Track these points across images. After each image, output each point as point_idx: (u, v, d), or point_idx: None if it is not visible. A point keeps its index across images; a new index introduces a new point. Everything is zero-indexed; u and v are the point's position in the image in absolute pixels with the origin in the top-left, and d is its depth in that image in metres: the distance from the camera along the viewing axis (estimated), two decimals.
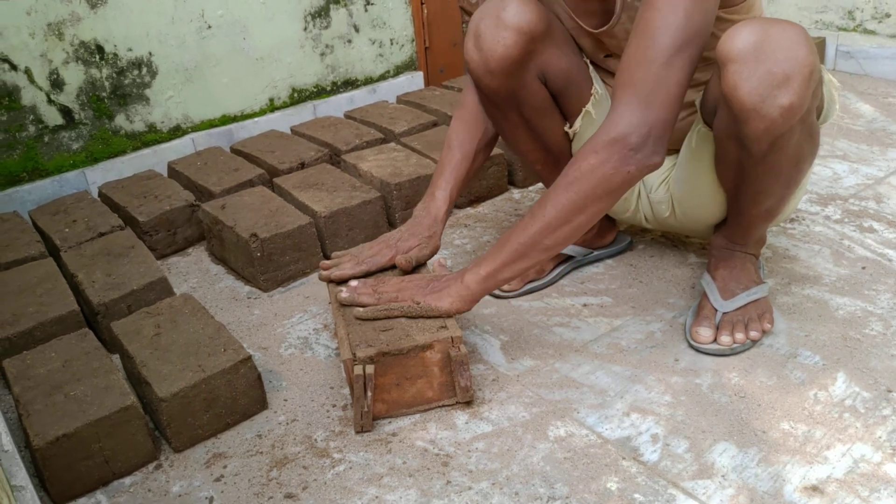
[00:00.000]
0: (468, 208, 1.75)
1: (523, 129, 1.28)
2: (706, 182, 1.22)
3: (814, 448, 1.03)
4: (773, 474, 1.00)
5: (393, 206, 1.64)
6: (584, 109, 1.27)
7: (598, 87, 1.29)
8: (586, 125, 1.29)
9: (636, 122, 1.02)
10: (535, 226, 1.09)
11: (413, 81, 2.31)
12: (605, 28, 1.20)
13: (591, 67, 1.30)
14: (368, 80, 2.24)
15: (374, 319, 1.15)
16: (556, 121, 1.30)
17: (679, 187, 1.28)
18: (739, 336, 1.20)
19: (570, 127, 1.30)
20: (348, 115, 2.06)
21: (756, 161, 1.07)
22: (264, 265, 1.46)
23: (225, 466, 1.08)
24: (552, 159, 1.34)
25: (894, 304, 1.30)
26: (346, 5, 2.12)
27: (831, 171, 1.79)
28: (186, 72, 1.92)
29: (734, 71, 0.98)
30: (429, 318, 1.15)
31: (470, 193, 1.75)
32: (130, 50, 1.83)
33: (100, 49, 1.79)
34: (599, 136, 1.05)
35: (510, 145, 1.35)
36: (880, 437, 1.04)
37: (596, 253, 1.48)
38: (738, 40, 0.97)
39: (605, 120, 1.06)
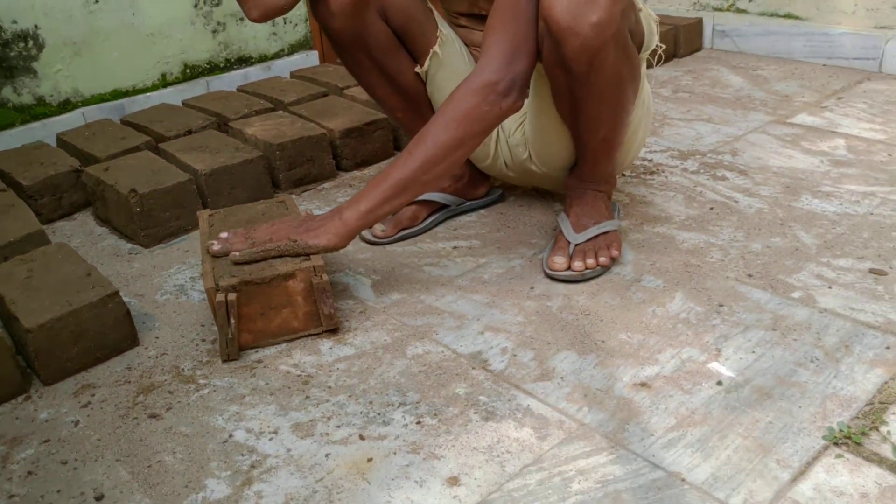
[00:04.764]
0: (354, 171, 1.81)
1: (376, 73, 1.36)
2: (550, 121, 1.31)
3: (646, 353, 1.12)
4: (606, 375, 1.08)
5: (276, 167, 1.69)
6: (431, 51, 1.35)
7: (443, 28, 1.37)
8: (436, 66, 1.37)
9: (504, 70, 1.14)
10: (416, 162, 1.16)
11: (308, 59, 2.37)
12: None
13: (435, 12, 1.38)
14: (263, 58, 2.29)
15: (252, 262, 1.19)
16: (406, 61, 1.38)
17: (530, 129, 1.37)
18: (590, 262, 1.29)
19: (421, 68, 1.38)
20: (241, 89, 2.11)
21: (581, 83, 1.16)
22: (144, 221, 1.49)
23: (93, 395, 1.12)
24: (411, 105, 1.41)
25: (735, 236, 1.41)
26: None
27: (695, 131, 1.91)
28: (75, 45, 1.94)
29: None
30: (306, 255, 1.19)
31: (356, 157, 1.81)
32: (15, 22, 1.84)
33: None
34: (473, 79, 1.15)
35: (370, 93, 1.42)
36: (708, 342, 1.14)
37: (469, 203, 1.56)
38: None
39: (478, 64, 1.16)
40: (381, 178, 1.20)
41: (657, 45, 1.27)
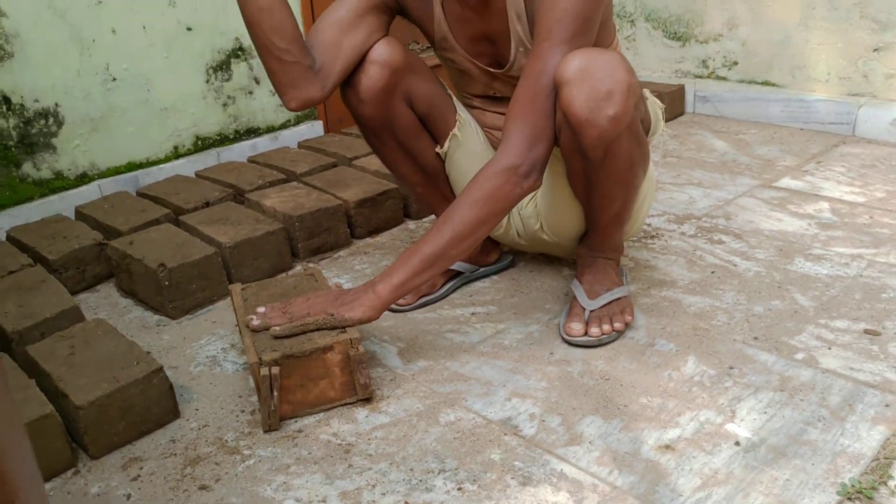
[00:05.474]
0: (367, 238, 1.89)
1: (400, 152, 1.45)
2: (563, 195, 1.41)
3: (667, 416, 1.20)
4: (632, 438, 1.15)
5: (296, 238, 1.76)
6: (451, 133, 1.45)
7: (461, 112, 1.47)
8: (454, 147, 1.47)
9: (525, 155, 1.23)
10: (444, 238, 1.25)
11: (313, 129, 2.46)
12: (503, 71, 1.39)
13: (454, 97, 1.48)
14: (270, 129, 2.38)
15: (291, 336, 1.25)
16: (427, 142, 1.47)
17: (543, 202, 1.46)
18: (606, 328, 1.37)
19: (441, 148, 1.47)
20: (251, 160, 2.19)
21: (596, 168, 1.25)
22: (172, 293, 1.55)
23: (141, 468, 1.16)
24: (430, 181, 1.51)
25: (738, 300, 1.50)
26: (246, 59, 2.27)
27: (688, 195, 2.02)
28: (92, 122, 2.01)
29: (567, 91, 1.17)
30: (342, 328, 1.26)
31: (369, 225, 1.89)
32: (37, 101, 1.91)
33: (6, 100, 1.86)
34: (497, 163, 1.24)
35: (393, 171, 1.51)
36: (722, 404, 1.22)
37: (482, 270, 1.64)
38: (569, 66, 1.17)
39: (500, 148, 1.25)
40: (410, 253, 1.27)
41: (663, 130, 1.37)
